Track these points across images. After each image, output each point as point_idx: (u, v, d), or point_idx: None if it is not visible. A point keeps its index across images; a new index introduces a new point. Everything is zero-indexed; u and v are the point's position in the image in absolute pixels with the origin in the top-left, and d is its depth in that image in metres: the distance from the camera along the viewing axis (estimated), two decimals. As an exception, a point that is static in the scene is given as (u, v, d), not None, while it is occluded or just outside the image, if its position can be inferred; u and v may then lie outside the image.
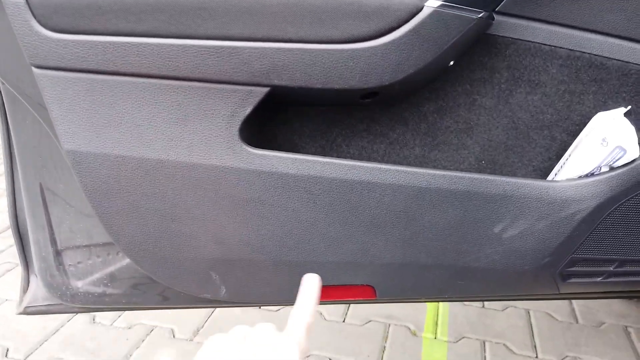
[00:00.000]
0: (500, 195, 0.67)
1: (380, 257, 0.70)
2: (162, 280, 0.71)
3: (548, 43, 0.66)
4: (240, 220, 0.66)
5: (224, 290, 0.72)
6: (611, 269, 0.73)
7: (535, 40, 0.66)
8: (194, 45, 0.57)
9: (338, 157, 0.73)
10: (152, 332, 1.57)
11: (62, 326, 1.59)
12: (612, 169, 0.66)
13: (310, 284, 0.60)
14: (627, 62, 0.66)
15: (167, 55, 0.58)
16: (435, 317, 1.64)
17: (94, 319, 1.62)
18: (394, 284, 0.73)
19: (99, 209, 0.65)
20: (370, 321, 1.62)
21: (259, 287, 0.72)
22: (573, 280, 0.74)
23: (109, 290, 0.87)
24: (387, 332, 1.57)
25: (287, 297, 0.75)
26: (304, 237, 0.68)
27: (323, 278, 0.72)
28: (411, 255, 0.70)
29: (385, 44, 0.58)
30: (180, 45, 0.57)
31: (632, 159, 0.64)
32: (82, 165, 0.62)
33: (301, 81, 0.60)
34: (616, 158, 0.64)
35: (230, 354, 0.53)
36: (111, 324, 1.60)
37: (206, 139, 0.62)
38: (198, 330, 1.58)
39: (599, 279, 0.74)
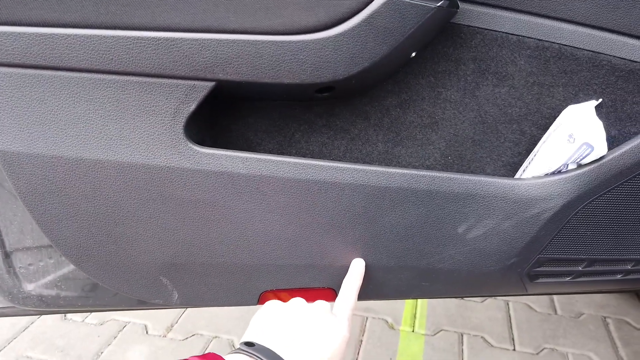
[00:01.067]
0: (464, 194, 0.64)
1: (339, 259, 0.67)
2: (109, 286, 0.68)
3: (516, 33, 0.63)
4: (190, 223, 0.63)
5: (177, 295, 0.69)
6: (580, 268, 0.70)
7: (502, 30, 0.62)
8: (128, 37, 0.53)
9: (297, 154, 0.69)
10: (125, 329, 1.53)
11: (31, 323, 1.55)
12: (579, 166, 0.63)
13: (355, 269, 0.67)
14: (597, 52, 0.63)
15: (99, 47, 0.53)
16: (414, 310, 1.62)
17: (64, 316, 1.58)
18: (356, 287, 0.70)
19: (35, 213, 0.61)
20: (348, 314, 1.60)
21: (213, 291, 0.69)
22: (541, 280, 0.71)
23: (63, 293, 0.83)
24: (365, 326, 1.55)
25: (246, 299, 0.71)
26: (258, 239, 0.65)
27: (280, 281, 0.69)
28: (372, 257, 0.67)
29: (336, 36, 0.54)
30: (113, 36, 0.53)
31: (600, 155, 0.61)
32: (14, 166, 0.58)
33: (248, 75, 0.56)
34: (583, 155, 0.61)
35: (287, 321, 0.58)
36: (82, 321, 1.56)
37: (148, 137, 0.58)
38: (172, 326, 1.55)
39: (567, 279, 0.72)
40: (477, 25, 0.62)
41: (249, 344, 0.54)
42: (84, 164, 0.58)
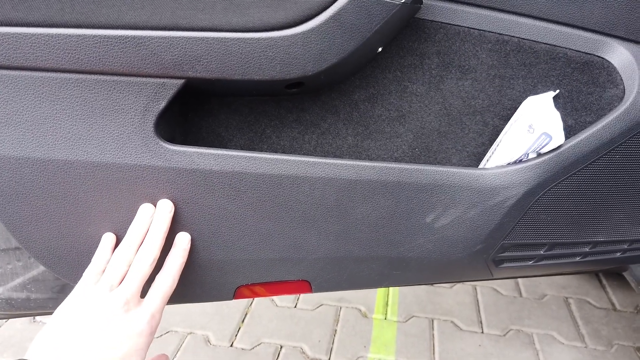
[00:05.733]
0: (431, 184, 0.66)
1: (313, 251, 0.68)
2: (82, 287, 0.67)
3: (477, 27, 0.65)
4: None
5: (151, 293, 0.69)
6: (541, 252, 0.74)
7: (464, 25, 0.65)
8: (94, 36, 0.52)
9: (268, 149, 0.70)
10: (97, 329, 1.51)
11: (-1, 327, 1.51)
12: (539, 155, 0.66)
13: (178, 249, 0.64)
14: (554, 45, 0.66)
15: (64, 46, 0.53)
16: (386, 297, 1.66)
17: (33, 319, 1.55)
18: (329, 278, 0.72)
19: (3, 216, 0.60)
20: (321, 305, 1.62)
21: (189, 287, 0.69)
22: (505, 265, 0.75)
23: (34, 295, 0.82)
24: (339, 315, 1.58)
25: (222, 294, 0.72)
26: (233, 234, 0.65)
27: (255, 275, 0.70)
28: (345, 249, 0.69)
29: (304, 32, 0.55)
30: (79, 35, 0.52)
31: (558, 144, 0.65)
32: None
33: (217, 73, 0.56)
34: (543, 144, 0.64)
35: (69, 330, 0.54)
36: (52, 323, 1.53)
37: (118, 136, 0.58)
38: (145, 324, 1.53)
39: (530, 263, 0.75)
40: (440, 20, 0.64)
41: None
42: (52, 165, 0.58)
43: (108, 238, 0.63)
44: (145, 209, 0.62)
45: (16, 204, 0.60)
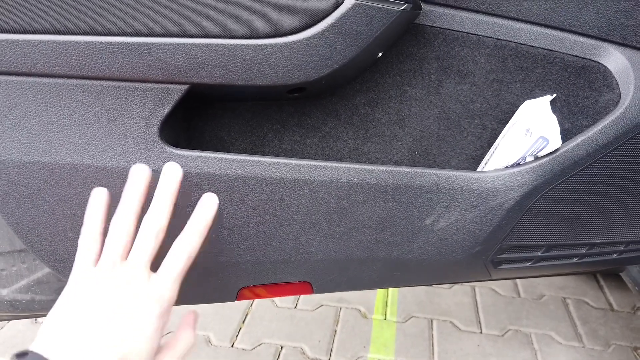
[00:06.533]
0: (430, 187, 0.67)
1: (315, 253, 0.70)
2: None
3: (475, 32, 0.66)
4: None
5: (155, 294, 0.70)
6: (539, 254, 0.75)
7: (462, 30, 0.66)
8: (100, 42, 0.53)
9: (270, 153, 0.71)
10: (98, 330, 1.52)
11: (1, 328, 1.52)
12: (536, 158, 0.67)
13: (204, 207, 0.55)
14: (551, 50, 0.67)
15: (71, 53, 0.54)
16: (385, 298, 1.67)
17: (35, 320, 1.56)
18: (331, 279, 0.73)
19: (10, 219, 0.61)
20: (321, 306, 1.63)
21: (191, 289, 0.70)
22: (504, 266, 0.76)
23: (38, 297, 0.83)
24: (339, 316, 1.59)
25: (224, 296, 0.73)
26: (235, 237, 0.66)
27: (257, 277, 0.71)
28: (346, 251, 0.70)
29: (306, 39, 0.56)
30: (86, 42, 0.53)
31: (555, 148, 0.66)
32: None
33: (221, 78, 0.57)
34: (540, 148, 0.65)
35: (79, 314, 0.48)
36: (54, 324, 1.54)
37: (123, 141, 0.59)
38: (146, 325, 1.54)
39: (528, 264, 0.76)
40: (439, 25, 0.65)
41: (22, 354, 0.44)
42: (59, 169, 0.59)
43: (96, 199, 0.55)
44: (138, 169, 0.54)
45: (23, 207, 0.61)
